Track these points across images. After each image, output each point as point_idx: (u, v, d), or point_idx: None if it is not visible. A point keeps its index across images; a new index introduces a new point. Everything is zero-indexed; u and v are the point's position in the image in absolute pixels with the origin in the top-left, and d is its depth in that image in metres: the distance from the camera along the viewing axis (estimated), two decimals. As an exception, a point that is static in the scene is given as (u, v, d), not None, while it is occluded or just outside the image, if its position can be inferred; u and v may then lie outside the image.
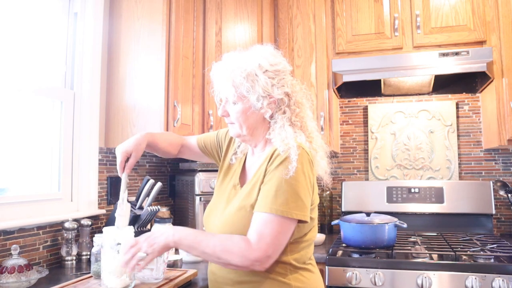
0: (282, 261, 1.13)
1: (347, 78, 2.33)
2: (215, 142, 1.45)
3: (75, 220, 1.76)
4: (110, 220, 1.88)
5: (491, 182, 2.41)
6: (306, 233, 1.17)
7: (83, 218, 1.82)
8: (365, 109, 2.75)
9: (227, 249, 1.07)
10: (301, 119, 1.20)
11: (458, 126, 2.58)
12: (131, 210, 1.86)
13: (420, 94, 2.65)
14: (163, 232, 1.14)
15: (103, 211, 1.98)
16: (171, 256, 1.71)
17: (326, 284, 1.88)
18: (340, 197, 2.67)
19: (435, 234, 2.37)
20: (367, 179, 2.70)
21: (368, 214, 2.07)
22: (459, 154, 2.56)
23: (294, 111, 1.19)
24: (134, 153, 1.33)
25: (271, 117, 1.19)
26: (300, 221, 1.10)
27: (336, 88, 2.44)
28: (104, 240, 1.31)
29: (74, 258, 1.72)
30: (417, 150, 2.62)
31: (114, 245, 1.29)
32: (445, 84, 2.50)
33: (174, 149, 1.53)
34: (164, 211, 2.20)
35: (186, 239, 1.12)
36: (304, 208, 1.09)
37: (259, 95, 1.15)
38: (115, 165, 2.11)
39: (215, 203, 1.31)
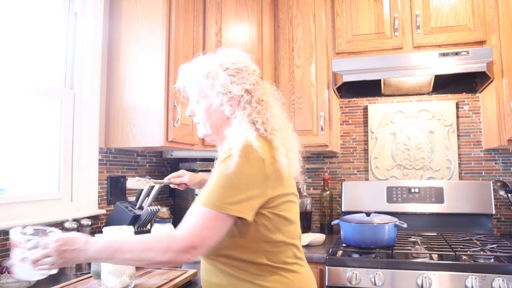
0: (256, 262, 1.12)
1: (347, 78, 2.33)
2: None
3: (75, 220, 1.76)
4: (110, 220, 1.88)
5: (491, 182, 2.41)
6: (279, 233, 1.14)
7: (83, 218, 1.82)
8: (365, 109, 2.75)
9: (147, 247, 1.02)
10: (263, 116, 1.18)
11: (458, 126, 2.58)
12: (130, 210, 1.86)
13: (420, 94, 2.65)
14: (79, 246, 1.03)
15: (103, 211, 1.98)
16: None
17: (326, 284, 1.88)
18: (340, 197, 2.67)
19: (435, 234, 2.37)
20: (367, 179, 2.70)
21: (368, 214, 2.07)
22: (459, 154, 2.56)
23: (255, 108, 1.18)
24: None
25: (232, 114, 1.19)
26: (241, 218, 1.06)
27: (336, 88, 2.44)
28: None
29: (74, 258, 1.72)
30: (417, 150, 2.62)
31: (114, 245, 1.28)
32: (445, 84, 2.50)
33: None
34: (164, 211, 2.20)
35: (101, 253, 1.04)
36: (243, 204, 1.04)
37: (218, 92, 1.18)
38: (115, 165, 2.11)
39: None
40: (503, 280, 1.68)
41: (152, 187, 1.92)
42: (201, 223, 1.03)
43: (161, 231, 1.07)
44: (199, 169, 2.33)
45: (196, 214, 1.04)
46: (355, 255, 1.93)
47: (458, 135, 2.58)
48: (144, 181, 1.60)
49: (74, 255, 1.03)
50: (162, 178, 2.47)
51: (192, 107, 1.27)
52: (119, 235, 1.30)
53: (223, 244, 1.10)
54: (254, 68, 1.25)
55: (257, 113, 1.18)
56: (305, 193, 2.57)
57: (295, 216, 1.21)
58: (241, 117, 1.17)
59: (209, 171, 2.34)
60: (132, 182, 1.61)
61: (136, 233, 1.44)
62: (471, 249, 1.93)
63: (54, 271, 1.07)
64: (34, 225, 1.16)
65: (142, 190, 1.94)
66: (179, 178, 1.56)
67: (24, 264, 1.04)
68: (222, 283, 1.15)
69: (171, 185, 1.58)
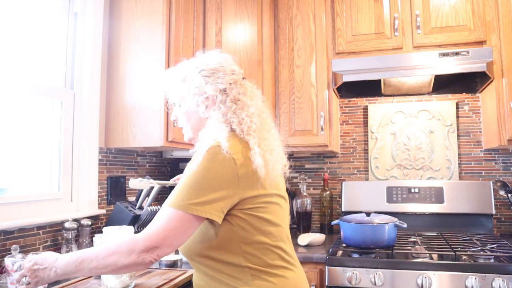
0: (237, 264, 1.10)
1: (347, 78, 2.33)
2: None
3: (75, 220, 1.76)
4: (110, 220, 1.88)
5: (491, 182, 2.41)
6: (259, 235, 1.11)
7: (83, 218, 1.82)
8: (365, 109, 2.75)
9: (110, 252, 1.02)
10: (239, 116, 1.16)
11: (458, 126, 2.58)
12: (130, 210, 1.86)
13: (420, 94, 2.65)
14: (48, 265, 1.06)
15: (103, 211, 1.98)
16: (170, 256, 1.71)
17: (326, 284, 1.89)
18: (340, 197, 2.67)
19: (435, 234, 2.37)
20: (367, 179, 2.70)
21: (368, 214, 2.07)
22: (459, 154, 2.56)
23: (229, 108, 1.16)
24: None
25: (208, 114, 1.19)
26: (209, 220, 1.05)
27: (336, 88, 2.44)
28: (104, 240, 1.31)
29: (74, 258, 1.72)
30: (417, 150, 2.62)
31: (114, 245, 1.29)
32: (445, 84, 2.50)
33: None
34: (164, 211, 2.20)
35: (68, 267, 1.05)
36: (210, 205, 1.03)
37: (194, 94, 1.19)
38: (115, 165, 2.11)
39: None
40: (503, 280, 1.68)
41: (152, 187, 1.92)
42: (163, 223, 1.02)
43: (124, 235, 1.08)
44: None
45: (161, 215, 1.04)
46: (355, 255, 1.93)
47: (458, 135, 2.58)
48: (147, 182, 1.60)
49: (46, 273, 1.06)
50: (162, 178, 2.49)
51: (175, 112, 1.29)
52: (118, 235, 1.30)
53: (203, 245, 1.10)
54: (233, 68, 1.23)
55: (233, 112, 1.16)
56: (305, 193, 2.57)
57: (279, 218, 1.17)
58: (216, 117, 1.16)
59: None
60: (135, 183, 1.62)
61: (136, 233, 1.44)
62: (471, 249, 1.93)
63: None
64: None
65: (142, 190, 1.94)
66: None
67: (12, 286, 1.16)
68: (207, 286, 1.14)
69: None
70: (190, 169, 1.07)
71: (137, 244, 1.00)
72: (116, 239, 1.05)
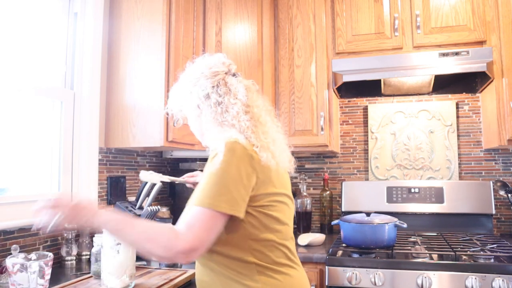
0: (244, 260, 1.12)
1: (347, 78, 2.33)
2: None
3: (75, 220, 1.76)
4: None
5: (491, 182, 2.41)
6: (267, 232, 1.13)
7: (83, 218, 1.82)
8: (365, 109, 2.75)
9: (152, 238, 1.04)
10: (226, 117, 1.19)
11: (458, 126, 2.58)
12: (130, 210, 1.86)
13: (420, 94, 2.65)
14: (90, 211, 1.09)
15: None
16: None
17: (326, 284, 1.89)
18: (340, 197, 2.67)
19: (435, 234, 2.37)
20: (367, 179, 2.70)
21: (368, 214, 2.07)
22: (459, 154, 2.57)
23: (216, 111, 1.21)
24: None
25: (202, 120, 1.27)
26: (233, 216, 1.07)
27: (336, 88, 2.44)
28: (104, 240, 1.32)
29: (74, 258, 1.72)
30: (417, 150, 2.62)
31: (114, 245, 1.29)
32: (445, 84, 2.50)
33: None
34: (164, 211, 2.20)
35: (107, 224, 1.09)
36: (234, 202, 1.05)
37: (187, 106, 1.29)
38: (115, 165, 2.12)
39: None
40: (503, 280, 1.68)
41: (152, 187, 1.92)
42: (199, 224, 1.03)
43: (165, 224, 1.10)
44: (199, 169, 2.33)
45: (193, 213, 1.05)
46: (355, 255, 1.93)
47: (458, 135, 2.58)
48: (157, 176, 1.60)
49: (84, 213, 1.08)
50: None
51: (188, 123, 1.39)
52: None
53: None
54: (214, 69, 1.25)
55: (220, 114, 1.20)
56: (305, 193, 2.57)
57: (287, 218, 1.20)
58: (210, 122, 1.23)
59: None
60: (146, 175, 1.62)
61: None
62: (471, 249, 1.93)
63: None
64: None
65: (142, 190, 1.94)
66: (193, 178, 1.61)
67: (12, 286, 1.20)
68: (212, 282, 1.16)
69: (187, 184, 1.63)
70: (211, 167, 1.09)
71: (177, 244, 1.01)
72: (159, 225, 1.06)
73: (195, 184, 1.61)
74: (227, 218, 1.07)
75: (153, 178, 1.62)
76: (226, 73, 1.25)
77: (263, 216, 1.13)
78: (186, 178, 1.61)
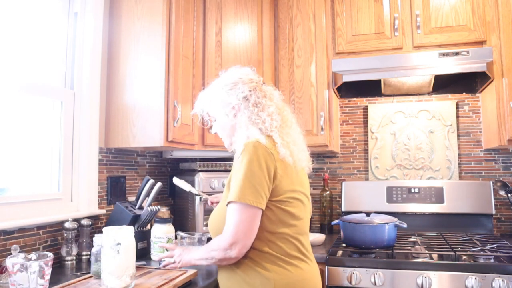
0: (259, 249, 1.24)
1: (347, 78, 2.33)
2: None
3: (75, 220, 1.76)
4: (110, 220, 1.88)
5: (491, 182, 2.41)
6: (282, 226, 1.25)
7: (83, 218, 1.82)
8: (365, 109, 2.75)
9: (211, 248, 1.26)
10: (261, 117, 1.34)
11: (458, 126, 2.58)
12: (130, 210, 1.86)
13: (420, 94, 2.65)
14: (189, 254, 1.42)
15: (103, 211, 1.98)
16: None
17: (326, 284, 1.88)
18: (340, 197, 2.67)
19: (435, 234, 2.37)
20: (367, 179, 2.70)
21: (368, 214, 2.07)
22: (459, 154, 2.57)
23: (252, 111, 1.34)
24: None
25: (236, 120, 1.38)
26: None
27: (336, 88, 2.44)
28: (104, 240, 1.31)
29: (74, 258, 1.72)
30: (417, 150, 2.62)
31: (114, 245, 1.29)
32: (445, 84, 2.50)
33: None
34: (164, 211, 2.20)
35: (197, 253, 1.37)
36: (256, 194, 1.19)
37: (222, 107, 1.40)
38: (115, 165, 2.12)
39: None
40: (503, 280, 1.68)
41: (152, 187, 1.92)
42: (233, 218, 1.19)
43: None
44: (199, 169, 2.33)
45: (229, 211, 1.21)
46: (355, 255, 1.93)
47: (458, 135, 2.58)
48: (188, 185, 1.90)
49: (188, 255, 1.42)
50: (162, 178, 2.49)
51: (214, 126, 1.49)
52: (119, 235, 1.30)
53: None
54: (251, 77, 1.42)
55: (256, 114, 1.34)
56: (305, 193, 2.57)
57: (302, 214, 1.31)
58: (243, 121, 1.34)
59: (209, 171, 2.33)
60: (178, 181, 1.88)
61: (136, 233, 1.45)
62: (471, 249, 1.93)
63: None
64: None
65: (142, 190, 1.94)
66: (216, 199, 1.80)
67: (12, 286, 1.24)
68: (230, 267, 1.28)
69: (209, 203, 1.82)
70: (239, 166, 1.22)
71: (222, 242, 1.21)
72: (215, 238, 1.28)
73: (216, 203, 1.78)
74: (257, 209, 1.20)
75: (184, 185, 1.87)
76: (258, 82, 1.42)
77: (280, 210, 1.24)
78: (210, 198, 1.82)
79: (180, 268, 1.50)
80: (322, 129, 2.39)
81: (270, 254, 1.23)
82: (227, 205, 1.23)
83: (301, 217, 1.30)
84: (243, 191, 1.18)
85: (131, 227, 1.37)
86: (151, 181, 1.93)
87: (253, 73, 1.45)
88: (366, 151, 2.73)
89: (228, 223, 1.20)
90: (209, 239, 1.45)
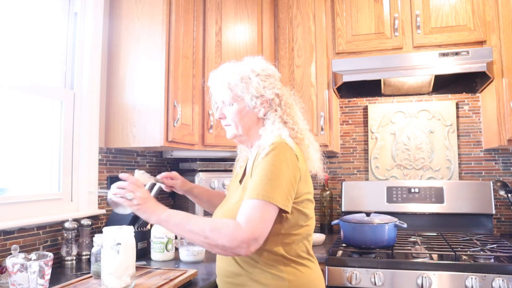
0: (273, 252, 1.19)
1: (347, 78, 2.33)
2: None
3: (75, 220, 1.77)
4: (110, 220, 1.88)
5: (491, 182, 2.41)
6: (298, 227, 1.22)
7: (83, 218, 1.82)
8: (365, 109, 2.75)
9: (216, 228, 1.09)
10: (292, 118, 1.30)
11: (458, 126, 2.58)
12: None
13: (420, 94, 2.65)
14: (158, 208, 1.18)
15: (103, 211, 1.98)
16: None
17: (326, 284, 1.88)
18: (340, 197, 2.67)
19: (435, 234, 2.37)
20: (367, 179, 2.70)
21: (368, 214, 2.07)
22: (459, 154, 2.57)
23: (285, 111, 1.30)
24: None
25: (264, 115, 1.30)
26: (282, 211, 1.14)
27: (336, 88, 2.44)
28: (104, 240, 1.32)
29: (74, 258, 1.72)
30: (417, 150, 2.62)
31: (114, 245, 1.29)
32: (445, 84, 2.50)
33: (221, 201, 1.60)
34: (164, 211, 2.20)
35: (173, 217, 1.15)
36: (284, 197, 1.13)
37: (252, 95, 1.27)
38: (115, 165, 2.12)
39: (221, 203, 1.40)
40: (503, 280, 1.68)
41: (152, 187, 1.92)
42: (257, 214, 1.09)
43: (226, 218, 1.18)
44: (199, 169, 2.33)
45: (250, 206, 1.10)
46: (355, 255, 1.93)
47: (458, 135, 2.58)
48: (147, 177, 1.49)
49: (152, 209, 1.18)
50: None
51: (224, 110, 1.34)
52: (119, 235, 1.30)
53: None
54: (279, 74, 1.36)
55: (287, 115, 1.30)
56: (305, 193, 2.57)
57: (313, 212, 1.30)
58: (274, 118, 1.27)
59: (209, 171, 2.33)
60: (139, 174, 1.50)
61: (136, 233, 1.44)
62: (471, 249, 1.93)
63: (129, 210, 1.23)
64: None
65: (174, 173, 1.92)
66: (172, 180, 1.52)
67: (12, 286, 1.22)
68: (238, 271, 1.22)
69: (162, 186, 1.53)
70: (265, 163, 1.15)
71: (240, 233, 1.06)
72: (222, 218, 1.16)
73: (169, 187, 1.53)
74: (277, 210, 1.13)
75: (144, 178, 1.47)
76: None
77: (298, 213, 1.21)
78: (164, 178, 1.51)
79: (132, 209, 1.20)
80: (322, 129, 2.39)
81: (284, 257, 1.20)
82: (252, 198, 1.11)
83: (312, 216, 1.28)
84: (273, 191, 1.11)
85: (131, 227, 1.37)
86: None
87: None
88: (366, 151, 2.73)
89: (254, 217, 1.08)
90: None
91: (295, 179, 1.18)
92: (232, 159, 1.58)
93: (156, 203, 1.21)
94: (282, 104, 1.30)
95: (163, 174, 1.52)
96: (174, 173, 1.53)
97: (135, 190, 1.20)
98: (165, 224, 1.16)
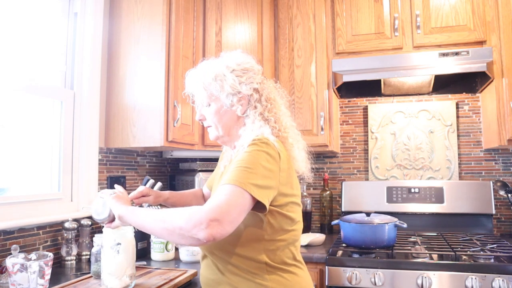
0: (256, 259, 1.12)
1: (347, 78, 2.33)
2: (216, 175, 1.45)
3: (75, 220, 1.77)
4: (110, 220, 1.88)
5: (491, 182, 2.41)
6: (282, 232, 1.14)
7: (83, 218, 1.82)
8: (365, 109, 2.75)
9: (176, 211, 0.99)
10: (275, 115, 1.22)
11: (458, 126, 2.58)
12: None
13: (420, 94, 2.65)
14: (121, 205, 1.15)
15: (103, 211, 1.97)
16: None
17: (326, 284, 1.89)
18: (340, 197, 2.67)
19: (435, 234, 2.37)
20: (367, 179, 2.70)
21: (368, 214, 2.07)
22: (459, 154, 2.56)
23: (266, 107, 1.22)
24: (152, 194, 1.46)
25: (244, 113, 1.22)
26: (259, 207, 1.04)
27: (336, 88, 2.44)
28: (104, 240, 1.32)
29: (74, 258, 1.72)
30: (417, 150, 2.62)
31: (114, 245, 1.29)
32: (445, 84, 2.50)
33: (199, 202, 1.57)
34: (164, 211, 2.20)
35: (143, 209, 1.10)
36: (260, 187, 1.02)
37: (228, 93, 1.20)
38: (115, 165, 2.12)
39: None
40: (503, 280, 1.68)
41: (152, 187, 1.91)
42: (223, 197, 0.97)
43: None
44: (199, 169, 2.33)
45: (220, 190, 1.00)
46: (355, 255, 1.93)
47: (458, 135, 2.58)
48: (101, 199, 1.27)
49: (124, 201, 1.18)
50: (162, 178, 2.49)
51: (202, 111, 1.28)
52: (119, 235, 1.30)
53: (229, 240, 1.10)
54: (259, 67, 1.27)
55: (268, 111, 1.21)
56: (305, 193, 2.57)
57: (300, 216, 1.22)
58: (254, 116, 1.20)
59: (209, 171, 2.33)
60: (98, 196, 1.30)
61: (136, 233, 1.44)
62: (471, 249, 1.93)
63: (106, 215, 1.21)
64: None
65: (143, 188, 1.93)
66: (143, 198, 1.44)
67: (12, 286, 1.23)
68: (220, 280, 1.15)
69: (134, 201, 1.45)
70: (244, 156, 1.07)
71: (198, 213, 0.94)
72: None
73: (142, 204, 1.48)
74: (252, 203, 1.02)
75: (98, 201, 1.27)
76: (263, 75, 1.27)
77: (281, 216, 1.13)
78: (134, 200, 1.43)
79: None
80: (322, 129, 2.39)
81: (268, 265, 1.12)
82: (224, 184, 1.02)
83: (298, 219, 1.20)
84: (247, 178, 1.00)
85: (131, 227, 1.37)
86: (151, 181, 1.92)
87: (256, 62, 1.30)
88: (366, 151, 2.73)
89: (218, 199, 0.97)
90: None
91: (275, 175, 1.08)
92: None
93: (118, 203, 1.17)
94: (263, 100, 1.22)
95: (134, 193, 1.42)
96: (145, 190, 1.43)
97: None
98: (130, 215, 1.10)
